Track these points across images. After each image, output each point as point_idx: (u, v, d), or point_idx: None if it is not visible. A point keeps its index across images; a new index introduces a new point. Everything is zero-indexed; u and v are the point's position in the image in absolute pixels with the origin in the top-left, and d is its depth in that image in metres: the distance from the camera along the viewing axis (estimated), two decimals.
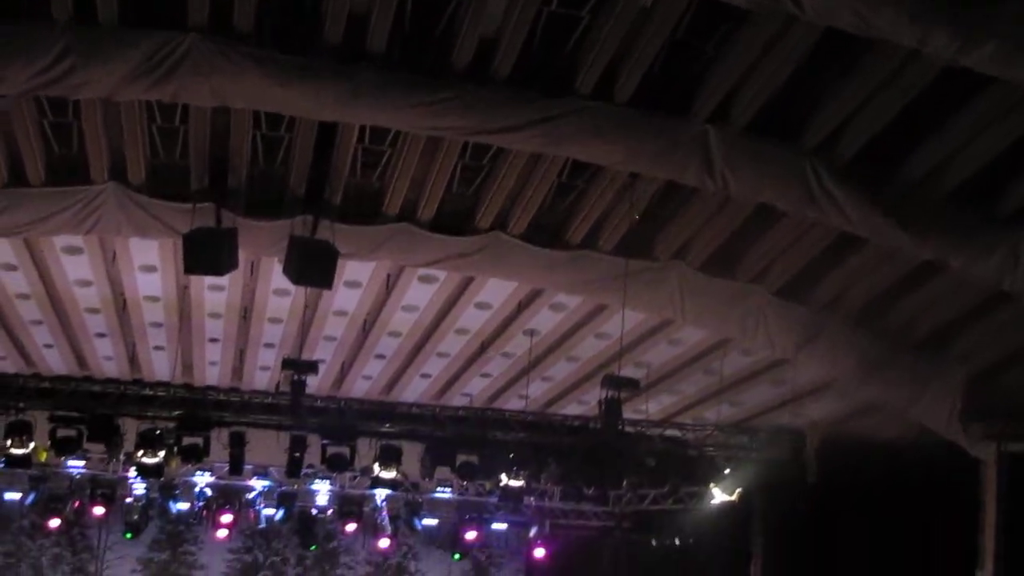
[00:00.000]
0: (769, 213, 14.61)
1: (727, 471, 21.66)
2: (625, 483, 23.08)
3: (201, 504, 23.52)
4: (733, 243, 15.83)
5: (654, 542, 23.82)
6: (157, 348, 20.87)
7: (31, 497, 23.07)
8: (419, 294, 18.06)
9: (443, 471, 22.59)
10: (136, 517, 23.99)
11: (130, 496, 23.65)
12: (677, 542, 23.54)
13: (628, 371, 18.46)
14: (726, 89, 12.60)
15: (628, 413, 20.90)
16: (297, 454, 21.56)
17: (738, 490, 21.74)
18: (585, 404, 22.05)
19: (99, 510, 23.13)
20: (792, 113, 12.86)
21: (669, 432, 21.96)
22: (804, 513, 21.69)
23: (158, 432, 20.76)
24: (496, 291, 17.78)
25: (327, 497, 23.83)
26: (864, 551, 21.20)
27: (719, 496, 22.01)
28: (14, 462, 21.24)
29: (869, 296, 16.15)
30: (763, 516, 22.60)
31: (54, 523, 23.74)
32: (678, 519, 23.46)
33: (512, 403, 22.46)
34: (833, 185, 13.04)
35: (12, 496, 23.38)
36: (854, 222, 13.44)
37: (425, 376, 21.72)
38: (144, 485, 23.32)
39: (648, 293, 16.41)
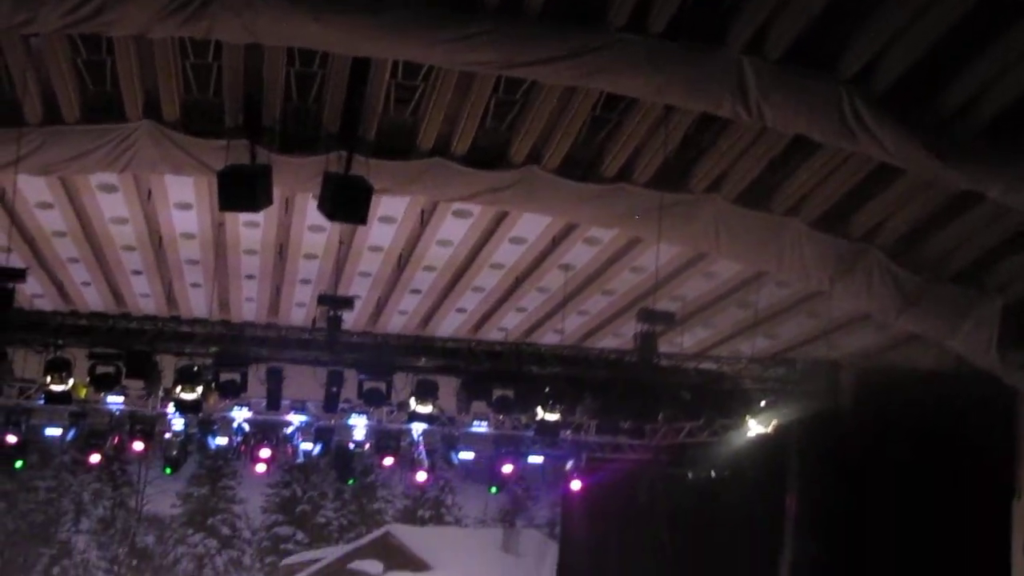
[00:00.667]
0: (805, 145, 14.52)
1: (763, 404, 21.63)
2: (661, 416, 23.09)
3: (239, 439, 23.66)
4: (768, 175, 15.76)
5: (690, 475, 23.82)
6: (194, 285, 21.00)
7: (71, 433, 23.26)
8: (454, 229, 18.09)
9: (479, 405, 22.66)
10: (175, 452, 24.20)
11: (169, 432, 23.83)
12: (713, 475, 23.54)
13: (663, 305, 18.46)
14: (761, 19, 12.49)
15: (663, 347, 20.94)
16: (334, 389, 21.65)
17: (774, 422, 21.75)
18: (621, 338, 22.09)
19: (138, 446, 23.31)
20: (828, 43, 12.74)
21: (704, 365, 21.93)
22: (838, 446, 21.72)
23: (196, 368, 20.87)
24: (531, 225, 17.79)
25: (364, 432, 23.91)
26: (900, 483, 21.20)
27: (755, 429, 22.00)
28: (54, 399, 21.42)
29: (906, 227, 16.07)
30: (799, 448, 22.58)
31: (94, 459, 23.96)
32: (714, 452, 23.46)
33: (548, 337, 22.52)
34: (869, 116, 12.94)
35: (53, 432, 23.60)
36: (891, 153, 13.34)
37: (461, 311, 21.79)
38: (182, 421, 23.48)
39: (683, 226, 16.38)
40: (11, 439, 23.03)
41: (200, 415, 22.73)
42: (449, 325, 22.54)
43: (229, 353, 21.02)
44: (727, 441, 23.18)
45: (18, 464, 24.57)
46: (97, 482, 26.66)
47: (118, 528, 26.73)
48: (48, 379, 21.05)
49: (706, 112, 13.92)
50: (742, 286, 19.35)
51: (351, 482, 26.08)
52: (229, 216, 17.29)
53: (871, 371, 21.31)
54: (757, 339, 21.40)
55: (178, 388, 21.10)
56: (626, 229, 17.25)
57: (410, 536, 27.70)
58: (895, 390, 20.73)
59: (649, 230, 16.40)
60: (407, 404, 21.97)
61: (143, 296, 21.48)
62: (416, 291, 20.82)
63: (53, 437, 23.86)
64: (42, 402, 22.31)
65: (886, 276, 16.63)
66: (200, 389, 21.02)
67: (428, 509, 27.92)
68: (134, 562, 26.77)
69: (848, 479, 21.79)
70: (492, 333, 22.72)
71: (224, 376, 20.82)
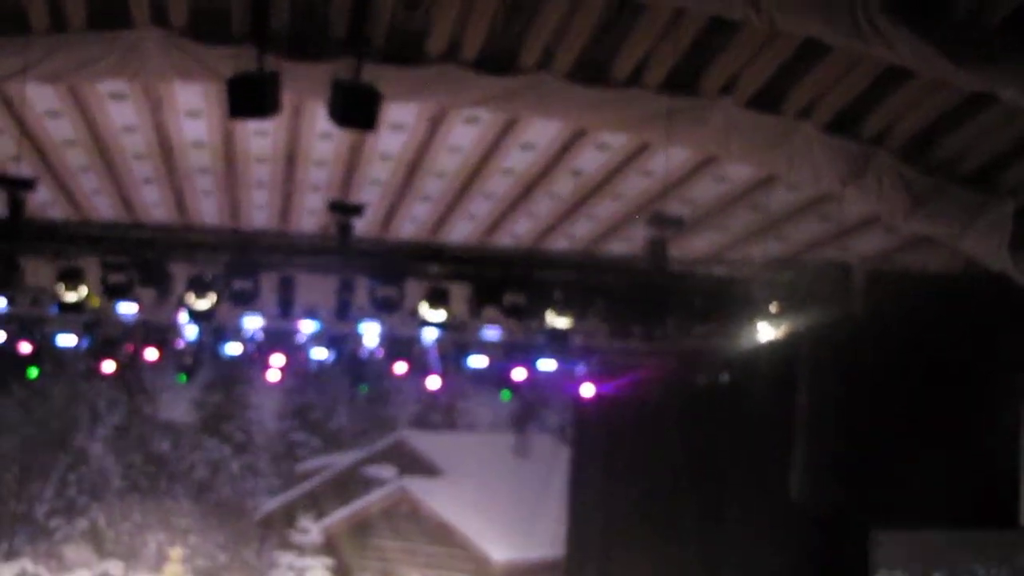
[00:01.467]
0: (816, 48, 14.42)
1: (773, 308, 21.67)
2: (671, 321, 23.14)
3: (252, 347, 23.81)
4: (779, 79, 15.67)
5: (701, 379, 23.95)
6: (204, 193, 20.99)
7: (85, 342, 23.43)
8: (464, 136, 18.03)
9: (490, 311, 22.71)
10: (189, 360, 24.36)
11: (182, 340, 23.99)
12: (724, 379, 23.67)
13: (674, 209, 18.44)
14: None
15: (674, 251, 20.98)
16: (345, 297, 21.72)
17: (785, 327, 21.79)
18: (631, 243, 22.10)
19: (152, 354, 23.47)
20: None
21: (715, 270, 21.94)
22: (850, 349, 21.78)
23: (207, 277, 20.94)
24: (541, 132, 17.72)
25: (376, 339, 24.04)
26: (911, 385, 21.29)
27: (766, 333, 22.05)
28: (67, 308, 21.50)
29: (917, 129, 16.01)
30: (810, 352, 22.65)
31: (108, 367, 24.14)
32: (725, 356, 23.56)
33: (558, 243, 22.53)
34: (882, 18, 12.81)
35: (66, 341, 23.75)
36: (904, 55, 13.23)
37: (471, 218, 21.77)
38: (195, 329, 23.63)
39: (693, 130, 16.32)
40: (25, 348, 23.20)
41: (213, 323, 22.85)
42: (460, 232, 22.54)
43: (240, 261, 21.04)
44: (738, 345, 23.26)
45: (33, 373, 24.76)
46: (112, 390, 26.84)
47: (133, 435, 26.96)
48: (60, 288, 21.16)
49: (717, 15, 13.82)
50: (753, 189, 19.32)
51: (364, 389, 26.23)
52: (239, 124, 17.25)
53: (883, 274, 21.33)
54: (768, 243, 21.40)
55: (190, 297, 21.19)
56: (636, 134, 17.19)
57: (423, 442, 27.93)
58: (906, 293, 20.77)
59: (659, 135, 16.34)
60: (418, 311, 22.04)
61: (154, 205, 21.48)
62: (426, 198, 20.79)
63: (67, 346, 24.03)
64: (55, 311, 22.44)
65: (896, 178, 16.59)
66: (212, 297, 21.11)
67: (440, 415, 28.11)
68: (150, 468, 27.03)
69: (860, 382, 21.89)
70: (503, 239, 22.72)
71: (236, 284, 20.85)
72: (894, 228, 18.55)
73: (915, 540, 22.04)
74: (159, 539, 26.73)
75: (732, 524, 24.58)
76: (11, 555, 25.94)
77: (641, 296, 21.04)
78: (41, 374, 25.31)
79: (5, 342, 23.80)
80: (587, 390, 25.23)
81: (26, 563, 26.15)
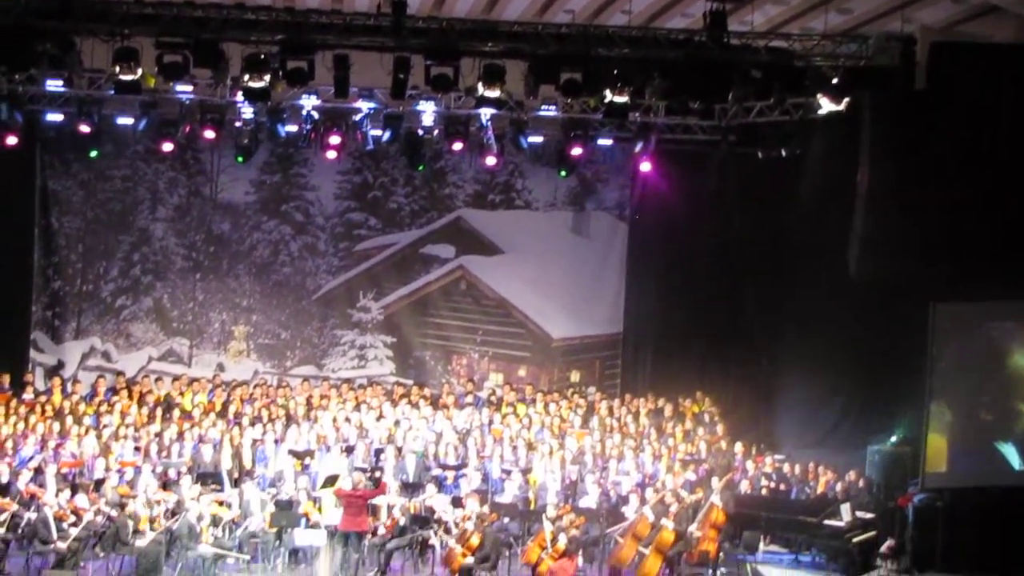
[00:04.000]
0: None
1: (834, 81, 21.35)
2: (731, 96, 22.88)
3: (309, 127, 23.80)
4: None
5: (760, 154, 23.75)
6: None
7: (143, 123, 23.53)
8: None
9: (547, 89, 22.54)
10: (246, 141, 24.42)
11: (239, 120, 24.01)
12: (783, 153, 23.47)
13: None
14: None
15: (733, 25, 20.64)
16: (401, 75, 21.57)
17: (846, 99, 21.50)
18: (690, 17, 21.74)
19: (210, 134, 23.55)
20: None
21: (775, 43, 21.57)
22: (911, 121, 21.51)
23: (262, 56, 20.83)
24: None
25: (432, 117, 23.97)
26: (971, 157, 21.08)
27: (826, 106, 21.79)
28: (124, 88, 21.53)
29: None
30: (871, 125, 22.39)
31: (167, 147, 24.26)
32: (785, 130, 23.34)
33: (615, 19, 22.17)
34: None
35: (124, 121, 23.84)
36: None
37: None
38: (252, 109, 23.63)
39: None
40: (84, 128, 23.33)
41: (269, 103, 22.83)
42: (515, 8, 22.25)
43: (295, 40, 20.88)
44: (799, 119, 23.03)
45: (93, 153, 24.95)
46: (171, 171, 26.93)
47: (194, 216, 27.13)
48: (117, 69, 21.15)
49: None
50: None
51: (421, 168, 26.25)
52: None
53: (946, 45, 20.92)
54: (829, 15, 20.99)
55: (246, 76, 21.12)
56: None
57: (481, 220, 27.97)
58: (971, 64, 20.39)
59: None
60: (475, 89, 21.89)
61: None
62: None
63: (125, 126, 24.12)
64: (112, 92, 22.48)
65: None
66: (268, 77, 21.04)
67: (498, 193, 28.03)
68: (211, 248, 27.27)
69: (921, 156, 21.67)
70: (559, 15, 22.41)
71: (291, 63, 20.74)
72: None
73: (974, 311, 22.13)
74: (222, 318, 27.15)
75: (790, 299, 24.68)
76: (80, 333, 26.49)
77: (700, 71, 20.74)
78: (101, 155, 25.51)
79: (65, 123, 23.97)
80: (645, 167, 25.14)
81: (95, 340, 26.71)
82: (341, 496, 20.11)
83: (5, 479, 20.50)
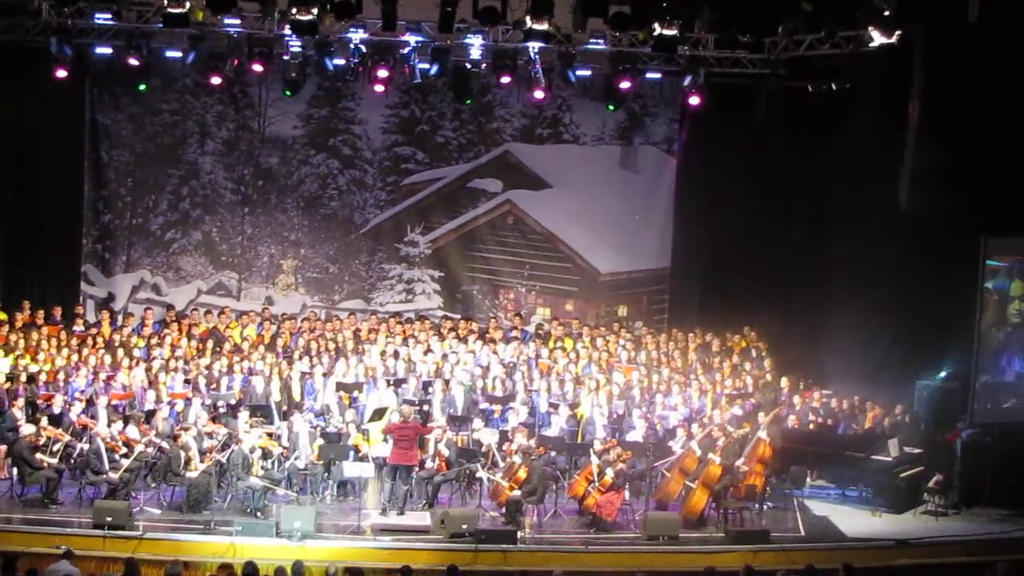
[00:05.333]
0: None
1: (887, 13, 21.09)
2: (780, 28, 22.69)
3: (356, 60, 23.72)
4: None
5: (810, 88, 23.54)
6: None
7: (191, 56, 23.51)
8: None
9: (595, 22, 22.39)
10: (294, 75, 24.37)
11: (287, 54, 23.96)
12: (834, 87, 23.25)
13: None
14: None
15: None
16: (449, 8, 21.50)
17: (898, 32, 21.24)
18: None
19: (258, 67, 23.53)
20: None
21: None
22: (964, 54, 21.25)
23: None
24: None
25: (480, 51, 23.85)
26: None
27: (878, 39, 21.55)
28: (172, 21, 21.57)
29: None
30: (923, 58, 22.14)
31: (215, 81, 24.25)
32: (835, 64, 23.10)
33: None
34: None
35: (173, 55, 23.84)
36: None
37: None
38: (300, 42, 23.57)
39: None
40: (133, 62, 23.36)
41: (317, 37, 22.78)
42: None
43: None
44: (849, 52, 22.79)
45: (142, 87, 24.97)
46: (220, 104, 26.95)
47: (242, 150, 27.17)
48: (165, 1, 21.17)
49: None
50: None
51: (468, 102, 26.18)
52: None
53: None
54: None
55: (293, 9, 21.09)
56: None
57: (529, 154, 27.87)
58: None
59: None
60: (523, 22, 21.78)
61: None
62: None
63: (174, 59, 24.12)
64: (161, 25, 22.50)
65: None
66: (315, 10, 20.99)
67: (546, 127, 27.93)
68: (260, 182, 27.33)
69: (973, 90, 21.44)
70: None
71: None
72: None
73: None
74: (271, 251, 27.23)
75: (839, 233, 24.54)
76: (130, 266, 26.60)
77: (750, 3, 20.56)
78: (150, 88, 25.54)
79: (113, 56, 24.01)
80: (694, 101, 24.94)
81: (145, 273, 26.84)
82: (391, 431, 20.24)
83: (58, 410, 20.74)
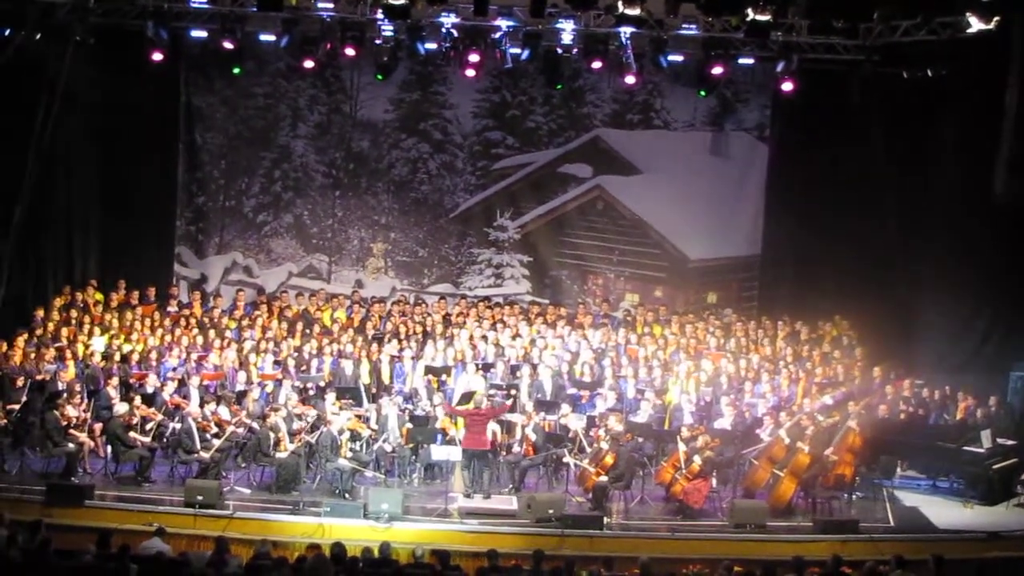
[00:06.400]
0: None
1: None
2: (876, 14, 22.42)
3: (448, 45, 23.76)
4: None
5: (905, 75, 23.26)
6: None
7: (285, 40, 23.66)
8: None
9: (688, 7, 22.28)
10: (386, 59, 24.47)
11: (379, 38, 24.05)
12: (929, 74, 22.96)
13: None
14: None
15: None
16: None
17: (996, 18, 20.93)
18: None
19: (350, 52, 23.65)
20: None
21: None
22: None
23: None
24: None
25: (572, 36, 23.80)
26: None
27: (975, 25, 21.24)
28: (266, 4, 21.77)
29: None
30: (1021, 44, 21.79)
31: (308, 64, 24.39)
32: (931, 50, 22.80)
33: None
34: None
35: (267, 38, 24.01)
36: None
37: None
38: (392, 27, 23.65)
39: None
40: (228, 45, 23.55)
41: (409, 21, 22.87)
42: None
43: None
44: (946, 38, 22.49)
45: (236, 70, 25.18)
46: (312, 88, 27.15)
47: (334, 133, 27.34)
48: None
49: None
50: None
51: (559, 87, 26.22)
52: None
53: None
54: None
55: None
56: None
57: (619, 140, 27.79)
58: None
59: None
60: (615, 7, 21.71)
61: None
62: None
63: (268, 43, 24.30)
64: (255, 9, 22.69)
65: None
66: None
67: (636, 113, 27.83)
68: (351, 166, 27.49)
69: None
70: None
71: None
72: None
73: None
74: (361, 235, 27.39)
75: (932, 222, 24.27)
76: (223, 247, 26.89)
77: None
78: (244, 72, 25.77)
79: (208, 39, 24.24)
80: (787, 87, 24.71)
81: (237, 255, 27.10)
82: (460, 415, 20.31)
83: (151, 390, 21.03)
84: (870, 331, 25.02)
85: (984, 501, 20.73)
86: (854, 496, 20.62)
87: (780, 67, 24.24)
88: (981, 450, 20.90)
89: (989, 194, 22.74)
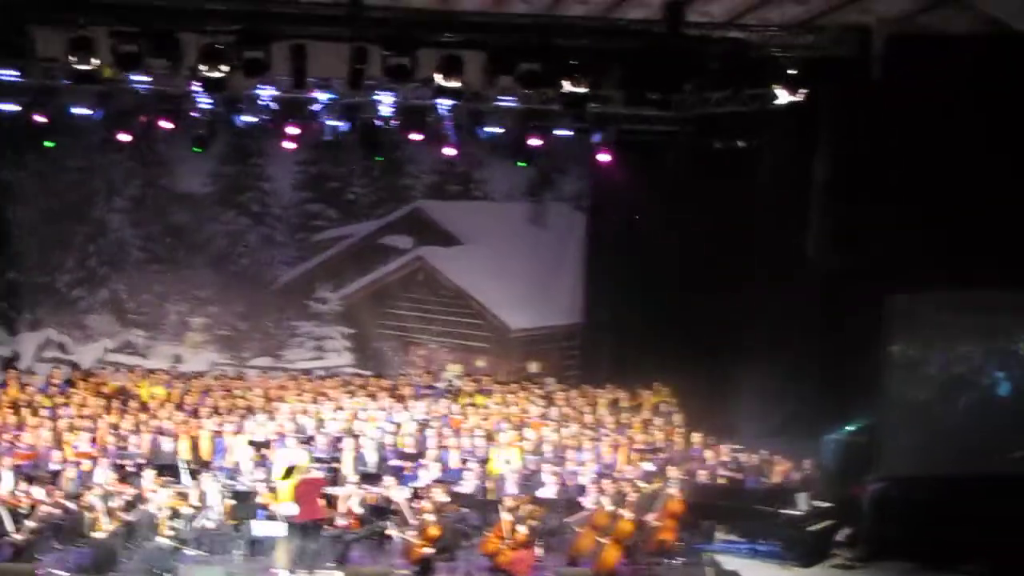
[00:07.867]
0: None
1: (792, 72, 21.42)
2: (688, 87, 22.92)
3: (266, 117, 23.66)
4: None
5: (718, 145, 23.81)
6: None
7: (99, 113, 23.30)
8: None
9: (505, 80, 22.50)
10: (203, 131, 24.25)
11: (196, 111, 23.84)
12: (741, 144, 23.53)
13: None
14: None
15: (691, 15, 20.66)
16: (358, 65, 21.51)
17: (803, 90, 21.57)
18: (648, 8, 21.72)
19: (166, 124, 23.39)
20: None
21: (733, 34, 21.63)
22: (869, 112, 21.59)
23: (219, 46, 20.71)
24: None
25: (390, 108, 23.88)
26: (929, 149, 21.16)
27: (784, 97, 21.86)
28: (79, 78, 21.37)
29: None
30: (829, 116, 22.48)
31: (124, 137, 24.06)
32: (742, 121, 23.38)
33: (573, 9, 22.14)
34: None
35: (80, 112, 23.61)
36: None
37: None
38: (209, 100, 23.47)
39: None
40: (39, 119, 23.11)
41: (226, 93, 22.71)
42: None
43: (251, 30, 20.77)
44: (756, 110, 23.07)
45: (48, 144, 24.70)
46: (128, 161, 26.81)
47: (150, 206, 27.01)
48: (72, 58, 20.98)
49: None
50: None
51: (379, 159, 26.22)
52: None
53: (903, 36, 21.01)
54: (786, 6, 21.05)
55: (202, 66, 21.01)
56: None
57: (439, 211, 27.97)
58: (927, 55, 20.48)
59: None
60: (432, 79, 21.85)
61: None
62: None
63: (82, 117, 23.88)
64: (68, 82, 22.31)
65: None
66: (225, 68, 20.92)
67: (456, 184, 28.06)
68: (168, 239, 27.18)
69: (879, 146, 21.77)
70: (516, 6, 22.36)
71: (248, 54, 20.64)
72: None
73: (925, 302, 22.27)
74: (180, 309, 27.07)
75: (748, 289, 24.76)
76: (36, 325, 26.36)
77: (657, 62, 20.79)
78: (57, 145, 25.29)
79: (20, 113, 23.73)
80: (603, 158, 25.10)
81: (51, 332, 26.58)
82: (297, 487, 20.04)
83: None
84: (690, 396, 25.39)
85: (801, 563, 21.09)
86: (677, 561, 20.81)
87: (597, 138, 24.61)
88: (798, 513, 21.29)
89: (802, 261, 23.30)
